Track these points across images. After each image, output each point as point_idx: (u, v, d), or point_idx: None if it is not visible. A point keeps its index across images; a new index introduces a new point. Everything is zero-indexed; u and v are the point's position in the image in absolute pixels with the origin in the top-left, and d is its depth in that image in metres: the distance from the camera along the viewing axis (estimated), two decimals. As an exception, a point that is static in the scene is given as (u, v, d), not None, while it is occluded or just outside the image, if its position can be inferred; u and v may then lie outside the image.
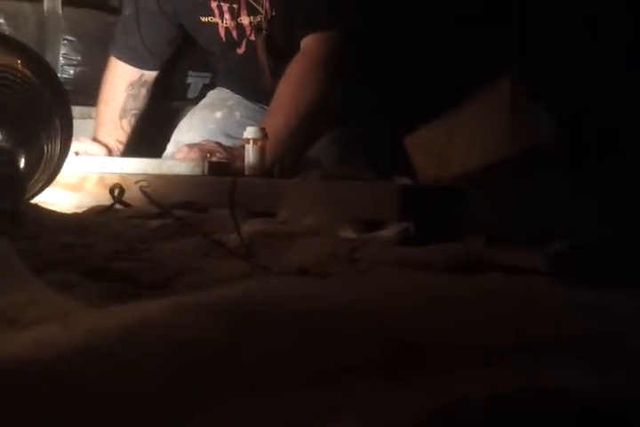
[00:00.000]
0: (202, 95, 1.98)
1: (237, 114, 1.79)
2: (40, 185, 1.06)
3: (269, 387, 0.25)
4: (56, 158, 1.07)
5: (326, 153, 1.67)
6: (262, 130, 1.45)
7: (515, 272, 0.76)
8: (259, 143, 1.45)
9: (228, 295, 0.33)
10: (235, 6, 1.60)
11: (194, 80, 2.07)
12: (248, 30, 1.62)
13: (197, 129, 1.77)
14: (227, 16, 1.62)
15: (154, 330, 0.27)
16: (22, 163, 0.94)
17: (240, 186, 1.23)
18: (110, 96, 1.72)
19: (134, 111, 1.74)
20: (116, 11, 1.88)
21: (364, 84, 1.68)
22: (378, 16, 1.65)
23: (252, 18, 1.61)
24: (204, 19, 1.64)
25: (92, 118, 1.94)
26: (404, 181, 1.37)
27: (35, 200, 1.10)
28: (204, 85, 2.05)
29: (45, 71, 1.08)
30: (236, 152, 1.49)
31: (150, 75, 1.76)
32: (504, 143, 0.88)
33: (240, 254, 0.76)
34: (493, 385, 0.24)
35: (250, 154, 1.44)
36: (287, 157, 1.62)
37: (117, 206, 1.13)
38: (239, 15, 1.61)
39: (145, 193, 0.96)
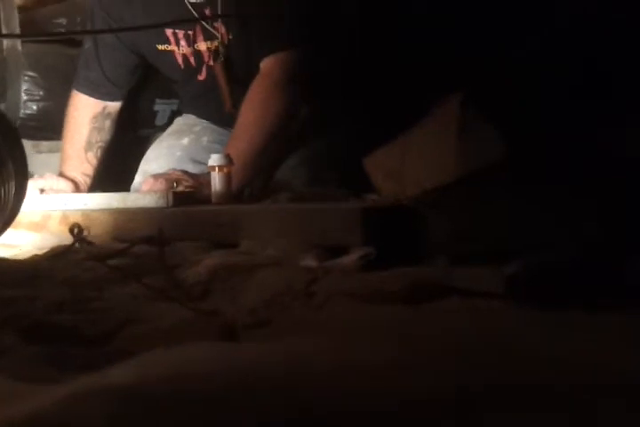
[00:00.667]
0: (170, 122, 1.97)
1: (205, 139, 1.78)
2: (-4, 230, 1.05)
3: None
4: (11, 203, 1.06)
5: (295, 173, 1.66)
6: (227, 156, 1.44)
7: (472, 296, 0.75)
8: (224, 170, 1.44)
9: (127, 376, 0.32)
10: (190, 33, 1.60)
11: (161, 107, 2.06)
12: (206, 56, 1.61)
13: (165, 157, 1.76)
14: (183, 43, 1.61)
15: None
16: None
17: (203, 216, 1.23)
18: (74, 130, 1.71)
19: (100, 144, 1.73)
20: (78, 44, 1.87)
21: (333, 99, 1.67)
22: (342, 33, 1.65)
23: (208, 43, 1.60)
24: (160, 47, 1.64)
25: (59, 152, 1.93)
26: (373, 197, 1.37)
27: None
28: (172, 112, 2.04)
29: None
30: (202, 179, 1.48)
31: (114, 106, 1.75)
32: (455, 163, 0.87)
33: (191, 297, 0.75)
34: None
35: (216, 181, 1.43)
36: (256, 180, 1.61)
37: (78, 245, 1.12)
38: (195, 41, 1.61)
39: (82, 239, 0.95)
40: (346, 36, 1.65)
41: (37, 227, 1.29)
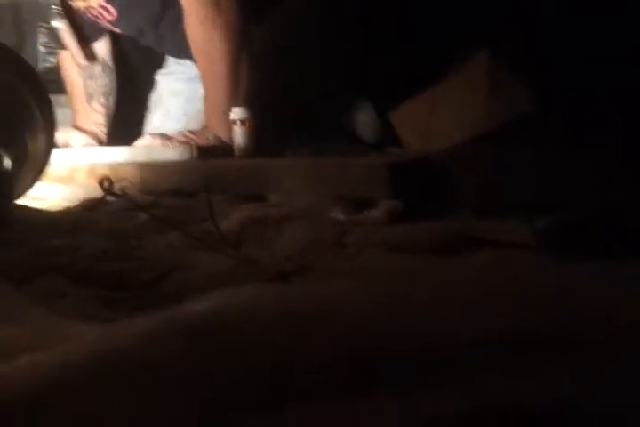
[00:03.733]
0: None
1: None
2: (28, 183, 1.06)
3: (233, 411, 0.26)
4: (41, 155, 1.07)
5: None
6: (248, 110, 1.45)
7: (502, 247, 0.77)
8: (246, 123, 1.45)
9: (197, 313, 0.34)
10: None
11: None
12: None
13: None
14: None
15: (123, 362, 0.28)
16: (8, 164, 0.94)
17: (230, 170, 1.24)
18: (72, 86, 1.74)
19: (100, 89, 1.74)
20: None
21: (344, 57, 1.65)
22: None
23: None
24: None
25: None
26: (395, 151, 1.37)
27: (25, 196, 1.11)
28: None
29: (23, 69, 1.07)
30: (189, 134, 1.51)
31: (97, 47, 1.75)
32: (485, 116, 0.88)
33: (229, 245, 0.77)
34: (452, 403, 0.25)
35: (239, 135, 1.44)
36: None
37: (108, 198, 1.14)
38: None
39: (125, 194, 0.97)
40: None
41: (64, 180, 1.31)
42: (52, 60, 1.84)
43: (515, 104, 0.83)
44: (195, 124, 1.62)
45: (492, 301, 0.46)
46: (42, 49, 1.82)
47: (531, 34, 0.92)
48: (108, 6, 1.63)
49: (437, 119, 0.97)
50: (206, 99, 1.53)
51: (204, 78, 1.53)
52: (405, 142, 1.11)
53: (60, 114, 1.91)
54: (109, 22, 1.67)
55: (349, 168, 1.11)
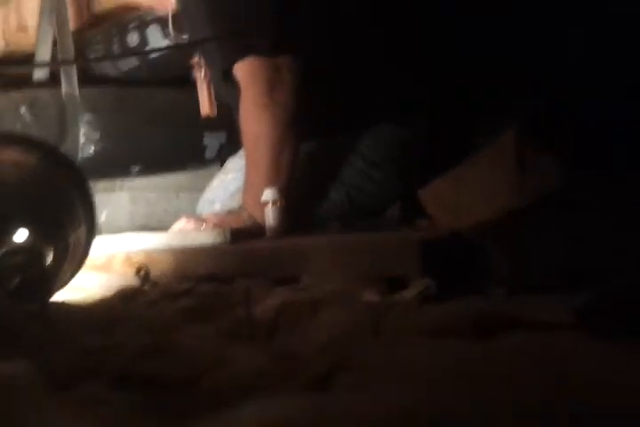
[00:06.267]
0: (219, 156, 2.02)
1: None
2: (67, 277, 1.09)
3: None
4: (82, 247, 1.10)
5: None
6: (279, 190, 1.48)
7: (540, 328, 0.75)
8: (277, 204, 1.47)
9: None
10: None
11: (209, 141, 2.12)
12: None
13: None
14: None
15: None
16: (49, 258, 0.97)
17: (262, 252, 1.26)
18: None
19: None
20: (130, 84, 1.96)
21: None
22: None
23: None
24: None
25: (115, 190, 2.00)
26: (424, 223, 1.38)
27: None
28: (220, 145, 2.10)
29: (64, 163, 1.12)
30: (225, 217, 1.54)
31: None
32: (513, 195, 0.88)
33: (262, 336, 0.77)
34: None
35: (270, 216, 1.46)
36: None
37: (146, 287, 1.16)
38: None
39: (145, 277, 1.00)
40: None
41: (101, 268, 1.34)
42: (91, 149, 1.91)
43: (545, 181, 0.84)
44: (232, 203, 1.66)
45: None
46: (82, 139, 1.90)
47: (559, 105, 0.94)
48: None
49: (466, 197, 0.98)
50: (246, 180, 1.56)
51: (247, 160, 1.56)
52: (434, 219, 1.11)
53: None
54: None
55: (380, 245, 1.11)
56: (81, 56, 1.90)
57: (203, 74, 1.71)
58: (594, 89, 1.10)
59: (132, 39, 1.92)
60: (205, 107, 1.75)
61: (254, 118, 1.52)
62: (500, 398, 0.45)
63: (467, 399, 0.44)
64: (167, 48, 1.78)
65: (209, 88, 1.73)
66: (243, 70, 1.52)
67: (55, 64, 1.83)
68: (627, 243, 0.85)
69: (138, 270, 1.15)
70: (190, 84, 1.82)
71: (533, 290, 0.88)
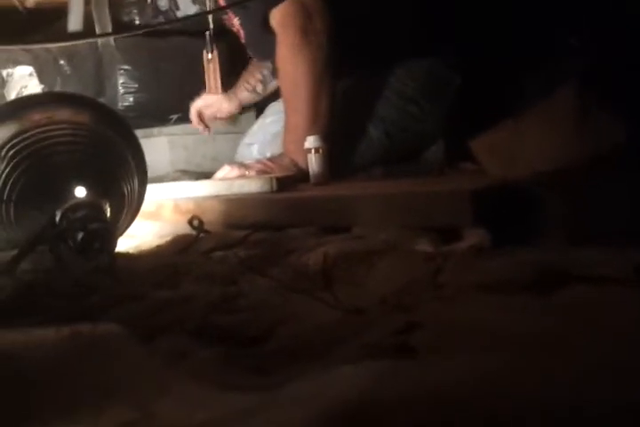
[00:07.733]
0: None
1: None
2: (125, 226, 1.12)
3: None
4: (136, 198, 1.12)
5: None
6: (322, 137, 1.48)
7: (598, 283, 0.76)
8: (320, 151, 1.47)
9: (350, 401, 0.36)
10: None
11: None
12: None
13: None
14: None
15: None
16: (108, 211, 0.99)
17: (311, 202, 1.26)
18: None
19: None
20: (165, 35, 1.95)
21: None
22: None
23: None
24: None
25: (154, 137, 2.01)
26: (469, 167, 1.37)
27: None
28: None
29: (114, 118, 1.12)
30: (270, 162, 1.55)
31: None
32: (573, 148, 0.87)
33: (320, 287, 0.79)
34: None
35: (313, 163, 1.47)
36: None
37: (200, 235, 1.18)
38: None
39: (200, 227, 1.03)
40: None
41: (152, 216, 1.36)
42: (130, 99, 1.92)
43: (605, 136, 0.83)
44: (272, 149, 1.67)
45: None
46: (121, 89, 1.90)
47: (620, 58, 0.91)
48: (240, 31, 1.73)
49: (523, 149, 0.97)
50: (286, 125, 1.56)
51: (286, 104, 1.57)
52: (486, 168, 1.11)
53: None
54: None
55: (432, 196, 1.11)
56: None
57: (210, 56, 1.76)
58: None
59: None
60: (211, 88, 1.78)
61: (291, 60, 1.52)
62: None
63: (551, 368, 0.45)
64: (213, 11, 1.75)
65: (215, 71, 1.75)
66: (278, 15, 1.52)
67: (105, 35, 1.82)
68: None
69: (190, 220, 1.17)
70: (225, 32, 1.81)
71: (589, 243, 0.88)
